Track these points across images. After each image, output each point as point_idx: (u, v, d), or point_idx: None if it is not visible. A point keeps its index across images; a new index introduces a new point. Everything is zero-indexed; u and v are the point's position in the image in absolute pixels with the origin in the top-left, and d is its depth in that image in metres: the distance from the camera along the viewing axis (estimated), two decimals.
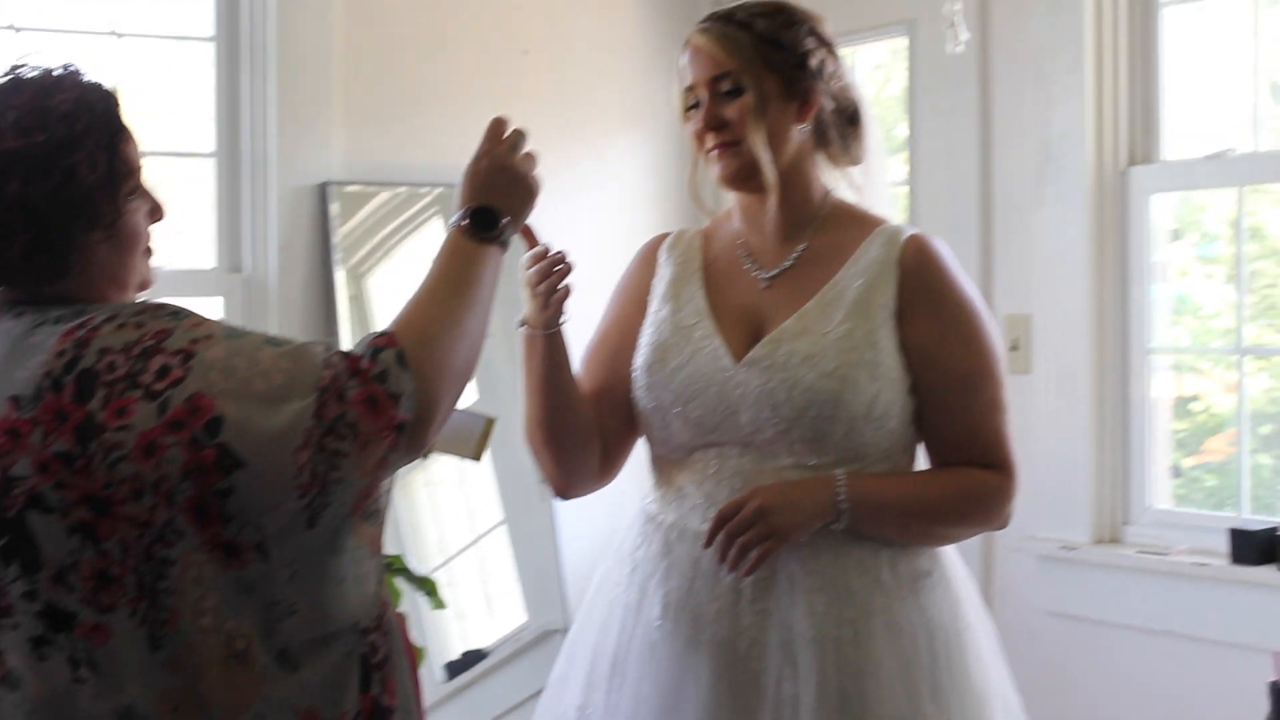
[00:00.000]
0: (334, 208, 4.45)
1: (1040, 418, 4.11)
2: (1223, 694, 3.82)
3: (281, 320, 4.36)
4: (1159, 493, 4.14)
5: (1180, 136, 4.15)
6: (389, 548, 2.11)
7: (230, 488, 1.80)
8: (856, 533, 2.40)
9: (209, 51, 4.48)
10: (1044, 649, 4.10)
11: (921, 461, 2.53)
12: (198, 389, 1.82)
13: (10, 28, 4.18)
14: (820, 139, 2.51)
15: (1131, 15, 4.15)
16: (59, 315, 1.91)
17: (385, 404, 1.86)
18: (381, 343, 1.91)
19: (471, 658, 4.63)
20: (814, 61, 2.47)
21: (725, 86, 2.45)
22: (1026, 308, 4.24)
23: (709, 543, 2.36)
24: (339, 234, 4.47)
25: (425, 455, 1.99)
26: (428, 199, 4.67)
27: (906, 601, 2.42)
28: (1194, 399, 4.24)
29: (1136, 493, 4.14)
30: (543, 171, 2.23)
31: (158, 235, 2.04)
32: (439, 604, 3.76)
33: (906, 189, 4.56)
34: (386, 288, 4.60)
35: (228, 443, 1.80)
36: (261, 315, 4.36)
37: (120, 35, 4.37)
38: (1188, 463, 4.25)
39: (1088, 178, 4.13)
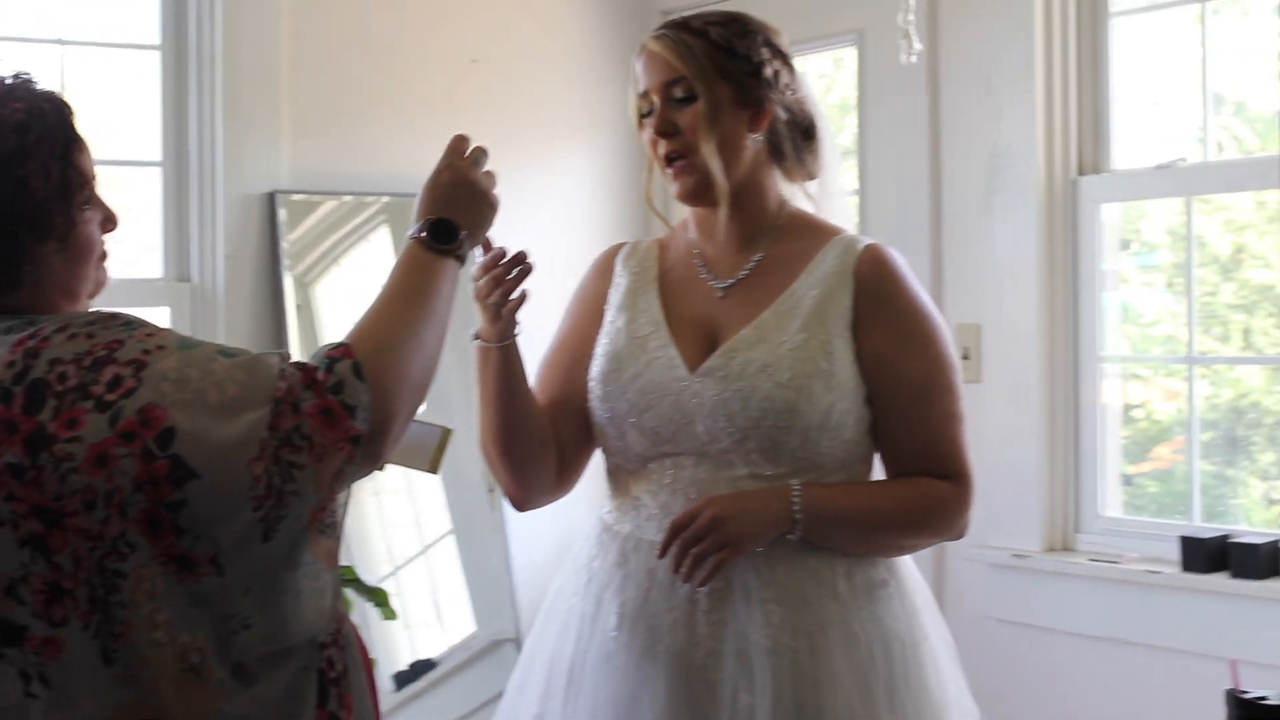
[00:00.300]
0: (282, 216, 4.42)
1: (991, 427, 4.12)
2: (1175, 701, 3.84)
3: (229, 330, 4.33)
4: (1110, 501, 4.16)
5: (1130, 146, 4.18)
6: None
7: (183, 500, 1.78)
8: (812, 543, 2.39)
9: (155, 60, 4.44)
10: (996, 657, 4.11)
11: (878, 471, 2.53)
12: (150, 400, 1.79)
13: None
14: (775, 152, 2.51)
15: (1081, 26, 4.18)
16: (9, 326, 1.88)
17: (341, 416, 1.85)
18: (338, 354, 1.89)
19: (420, 668, 4.61)
20: (768, 71, 2.47)
21: (678, 93, 2.44)
22: (976, 317, 4.26)
23: (663, 553, 2.35)
24: (286, 243, 4.44)
25: (381, 467, 1.97)
26: (374, 208, 4.65)
27: (863, 612, 2.41)
28: (1135, 407, 4.26)
29: (1088, 501, 4.16)
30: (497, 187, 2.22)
31: (117, 242, 2.02)
32: (390, 614, 3.74)
33: (856, 198, 4.57)
34: (333, 296, 4.57)
35: (180, 454, 1.78)
36: (209, 325, 4.33)
37: (65, 43, 4.33)
38: (1131, 470, 4.27)
39: (1037, 187, 4.14)
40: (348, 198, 4.61)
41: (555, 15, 5.08)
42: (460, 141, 2.21)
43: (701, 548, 2.32)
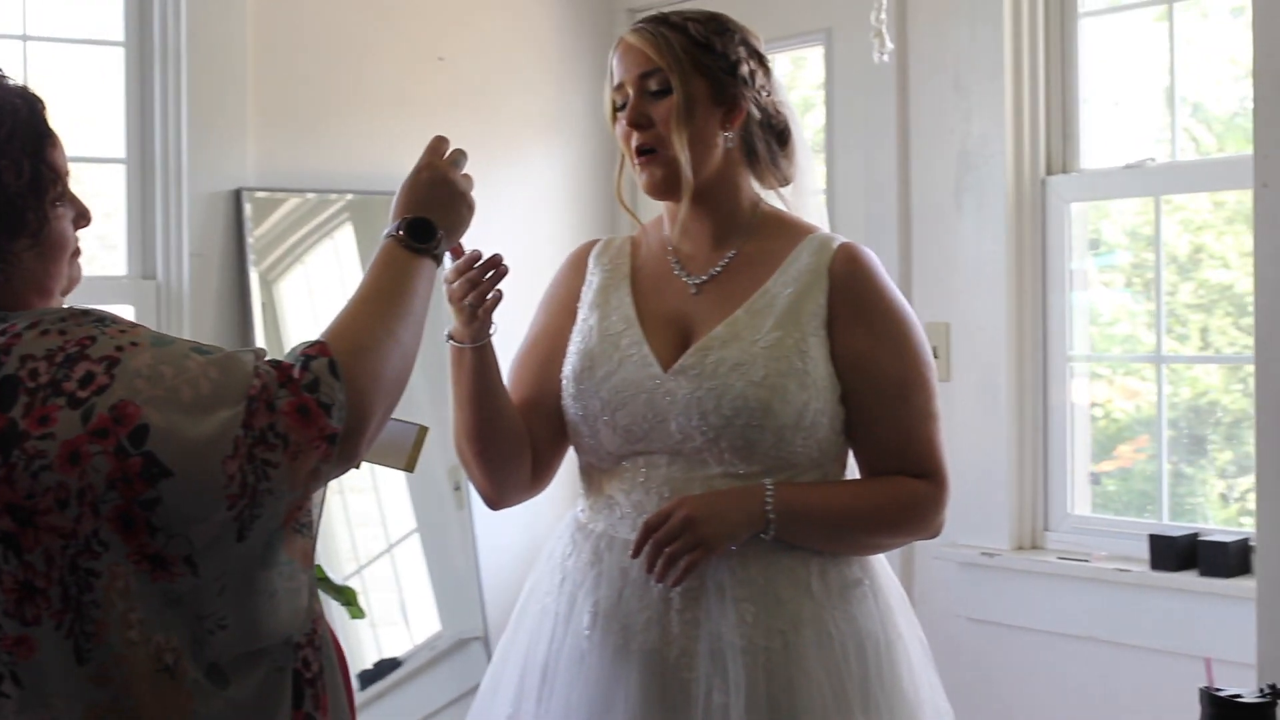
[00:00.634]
0: (248, 214, 4.40)
1: (959, 425, 4.12)
2: (1146, 699, 3.85)
3: (194, 328, 4.31)
4: (1079, 499, 4.17)
5: (1098, 146, 4.19)
6: None
7: (157, 498, 1.77)
8: (786, 542, 2.38)
9: (119, 56, 4.41)
10: (965, 655, 4.12)
11: (852, 470, 2.52)
12: (123, 396, 1.78)
13: None
14: (749, 153, 2.50)
15: (1049, 25, 4.19)
16: None
17: (316, 414, 1.83)
18: (313, 352, 1.88)
19: (385, 667, 4.60)
20: (744, 70, 2.48)
21: (653, 85, 2.44)
22: (945, 315, 4.26)
23: (636, 552, 2.34)
24: (252, 239, 4.42)
25: (357, 465, 1.96)
26: (338, 205, 4.63)
27: (837, 611, 2.41)
28: (1094, 406, 4.28)
29: (1056, 499, 4.17)
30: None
31: (83, 239, 2.00)
32: (358, 613, 3.72)
33: (823, 197, 4.56)
34: (296, 294, 4.55)
35: (154, 451, 1.77)
36: (174, 323, 4.31)
37: (29, 38, 4.29)
38: (1094, 470, 4.28)
39: (1006, 186, 4.15)
40: (310, 195, 4.59)
41: (522, 13, 5.07)
42: (440, 142, 2.20)
43: (675, 548, 2.31)
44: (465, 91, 4.89)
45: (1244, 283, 4.00)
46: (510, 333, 2.48)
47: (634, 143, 2.47)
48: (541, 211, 5.01)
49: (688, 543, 2.31)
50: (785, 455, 2.39)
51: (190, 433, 1.78)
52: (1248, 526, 3.93)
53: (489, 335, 2.42)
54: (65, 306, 1.93)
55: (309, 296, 4.61)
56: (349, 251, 4.69)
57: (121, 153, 4.41)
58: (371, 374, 1.90)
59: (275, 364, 1.87)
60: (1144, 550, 3.92)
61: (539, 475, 2.55)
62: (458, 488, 4.72)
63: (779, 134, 2.54)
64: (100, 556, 1.77)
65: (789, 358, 2.38)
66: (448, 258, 2.25)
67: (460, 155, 2.20)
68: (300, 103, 4.61)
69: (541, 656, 2.47)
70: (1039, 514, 4.19)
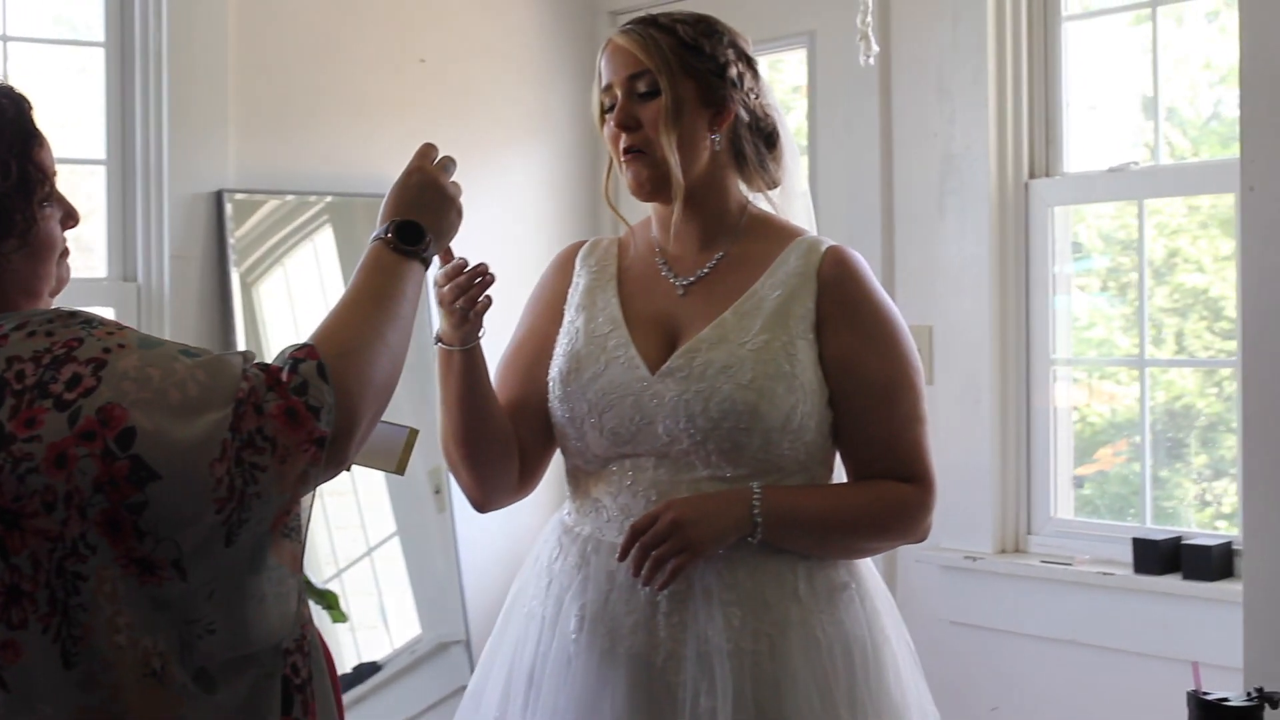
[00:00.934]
0: (229, 215, 4.39)
1: (942, 429, 4.12)
2: (1129, 703, 3.86)
3: (176, 330, 4.29)
4: (1062, 503, 4.18)
5: (1081, 150, 4.20)
6: None
7: (144, 501, 1.75)
8: (773, 546, 2.38)
9: (99, 57, 4.39)
10: (948, 659, 4.12)
11: (839, 474, 2.52)
12: (110, 399, 1.77)
13: None
14: (738, 156, 2.50)
15: (1032, 29, 4.19)
16: None
17: (305, 417, 1.82)
18: (302, 355, 1.87)
19: (365, 670, 4.58)
20: (733, 72, 2.47)
21: (641, 87, 2.44)
22: (928, 319, 4.26)
23: (623, 556, 2.34)
24: (234, 238, 4.40)
25: (347, 468, 1.95)
26: (318, 207, 4.62)
27: (823, 615, 2.40)
28: (1073, 409, 4.29)
29: (1040, 503, 4.17)
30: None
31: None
32: (340, 617, 3.72)
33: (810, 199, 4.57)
34: (275, 296, 4.54)
35: (141, 454, 1.76)
36: (156, 325, 4.30)
37: (8, 39, 4.27)
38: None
39: (989, 190, 4.16)
40: (290, 197, 4.58)
41: (503, 15, 5.07)
42: (429, 149, 2.20)
43: (661, 551, 2.30)
44: (446, 94, 4.89)
45: (1218, 287, 4.02)
46: (495, 335, 2.47)
47: (622, 144, 2.46)
48: (522, 213, 5.01)
49: (675, 546, 2.30)
50: (772, 458, 2.38)
51: (178, 436, 1.77)
52: (1223, 530, 3.96)
53: (478, 338, 2.41)
54: (53, 308, 1.92)
55: (288, 299, 4.59)
56: (328, 254, 4.67)
57: (102, 154, 4.39)
58: (360, 377, 1.89)
59: (263, 367, 1.86)
60: (1127, 554, 3.93)
61: (526, 478, 2.54)
62: (438, 491, 4.71)
63: (767, 136, 2.54)
64: (87, 560, 1.76)
65: (777, 360, 2.38)
66: (435, 261, 2.24)
67: (449, 162, 2.20)
68: (282, 104, 4.60)
69: (528, 660, 2.46)
70: (1022, 517, 4.20)
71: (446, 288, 2.36)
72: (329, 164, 4.64)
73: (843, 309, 2.43)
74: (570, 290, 2.57)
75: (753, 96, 2.51)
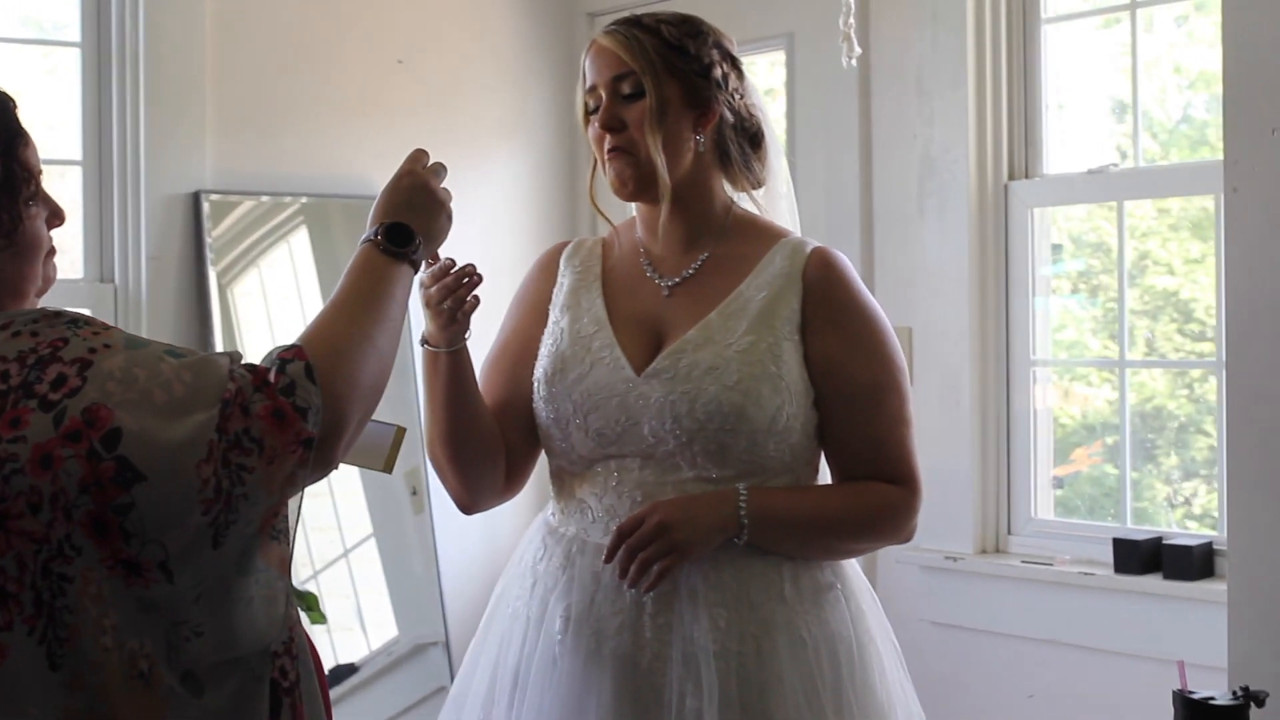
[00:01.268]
0: (207, 217, 4.37)
1: (922, 430, 4.06)
2: (1109, 702, 3.87)
3: (153, 331, 4.27)
4: (1042, 503, 4.18)
5: (1061, 152, 4.21)
6: None
7: (130, 503, 1.74)
8: (759, 547, 2.37)
9: (75, 57, 4.37)
10: (928, 659, 4.12)
11: (824, 475, 2.52)
12: (95, 399, 1.76)
13: None
14: (722, 156, 2.49)
15: (1012, 31, 4.20)
16: None
17: (292, 418, 1.81)
18: (289, 355, 1.86)
19: (342, 672, 4.57)
20: (717, 73, 2.47)
21: (626, 88, 2.43)
22: (908, 320, 4.26)
23: (609, 558, 2.33)
24: (211, 238, 4.39)
25: (335, 467, 1.94)
26: (293, 208, 4.61)
27: (809, 615, 2.40)
28: (1049, 411, 4.30)
29: (1020, 503, 4.18)
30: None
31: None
32: (319, 618, 3.71)
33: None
34: (250, 298, 4.53)
35: (127, 456, 1.75)
36: (133, 326, 4.28)
37: None
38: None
39: (969, 191, 4.16)
40: (265, 198, 4.56)
41: (481, 16, 5.06)
42: (421, 154, 2.20)
43: (648, 553, 2.30)
44: (424, 95, 4.88)
45: (1189, 289, 4.04)
46: (476, 336, 2.46)
47: (606, 145, 2.46)
48: (502, 215, 5.00)
49: (661, 548, 2.30)
50: (758, 459, 2.38)
51: (163, 436, 1.76)
52: (1193, 529, 3.98)
53: (464, 340, 2.40)
54: (39, 308, 1.91)
55: (263, 300, 4.58)
56: (304, 255, 4.66)
57: (78, 155, 4.36)
58: (348, 378, 1.88)
59: (250, 368, 1.85)
60: (1106, 554, 3.94)
61: (513, 479, 2.54)
62: (415, 492, 4.70)
63: (751, 136, 2.53)
64: (73, 561, 1.75)
65: (762, 362, 2.37)
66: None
67: (440, 168, 2.20)
68: (259, 105, 4.58)
69: (513, 661, 2.45)
70: (1002, 518, 4.21)
71: (434, 288, 2.36)
72: (306, 165, 4.63)
73: (828, 311, 2.42)
74: (555, 290, 2.57)
75: (737, 97, 2.50)
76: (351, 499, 4.66)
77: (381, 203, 2.13)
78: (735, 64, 2.52)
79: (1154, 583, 3.80)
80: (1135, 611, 3.83)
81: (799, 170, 4.54)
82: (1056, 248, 4.29)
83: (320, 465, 1.87)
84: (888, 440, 2.45)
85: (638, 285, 2.51)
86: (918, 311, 4.26)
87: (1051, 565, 4.03)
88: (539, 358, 2.50)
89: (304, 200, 4.62)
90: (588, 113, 2.49)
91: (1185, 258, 4.07)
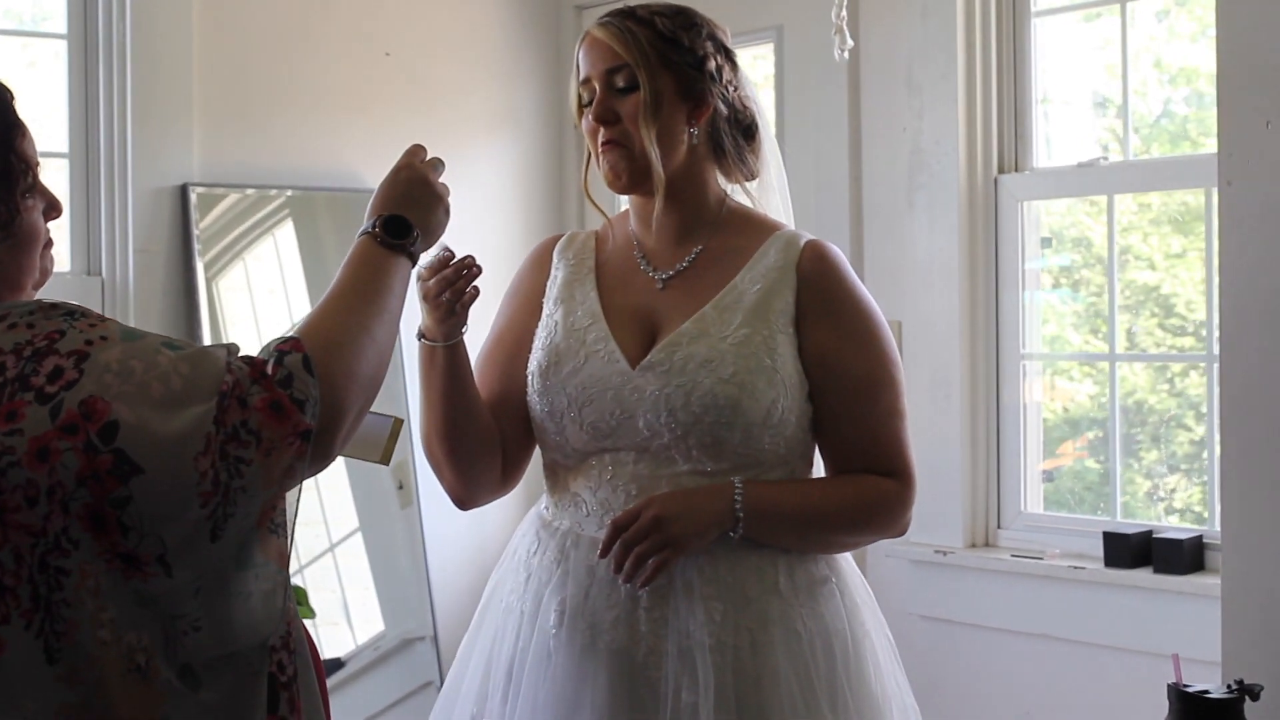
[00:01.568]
0: (194, 210, 4.36)
1: (912, 424, 4.10)
2: (1100, 696, 3.87)
3: (140, 324, 4.22)
4: (1032, 497, 4.19)
5: (1051, 145, 4.22)
6: None
7: (128, 496, 1.74)
8: (754, 540, 2.37)
9: (62, 49, 4.35)
10: (919, 653, 4.12)
11: (819, 468, 2.51)
12: (92, 392, 1.75)
13: None
14: (716, 149, 2.49)
15: (1001, 24, 4.20)
16: None
17: (290, 410, 1.80)
18: (287, 347, 1.85)
19: (328, 667, 4.56)
20: (711, 65, 2.46)
21: (620, 81, 2.42)
22: (897, 314, 4.27)
23: (605, 552, 2.33)
24: (199, 229, 4.37)
25: (333, 459, 1.93)
26: (278, 201, 4.60)
27: (804, 609, 2.40)
28: (1039, 405, 4.31)
29: (1009, 497, 4.18)
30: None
31: (64, 232, 1.97)
32: (309, 613, 3.70)
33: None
34: (236, 290, 4.52)
35: (124, 448, 1.74)
36: (120, 319, 4.23)
37: None
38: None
39: (959, 185, 4.16)
40: (250, 191, 4.55)
41: (469, 9, 5.05)
42: (419, 149, 2.20)
43: (643, 548, 2.30)
44: (412, 88, 4.87)
45: (1169, 284, 4.05)
46: (470, 331, 2.46)
47: (600, 138, 2.45)
48: (489, 207, 4.99)
49: (656, 542, 2.30)
50: (753, 453, 2.38)
51: (161, 429, 1.75)
52: (1173, 524, 3.98)
53: (461, 334, 2.39)
54: (35, 300, 1.90)
55: (248, 293, 4.56)
56: (289, 248, 4.65)
57: (64, 147, 4.34)
58: (346, 370, 1.88)
59: (248, 360, 1.84)
60: (1096, 547, 3.95)
61: (509, 473, 2.53)
62: (401, 486, 4.69)
63: (745, 129, 2.53)
64: (70, 555, 1.74)
65: (758, 355, 2.37)
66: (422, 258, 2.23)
67: (438, 163, 2.20)
68: (247, 97, 4.57)
69: (507, 655, 2.45)
70: (991, 512, 4.21)
71: (432, 281, 2.35)
72: (294, 158, 4.61)
73: (823, 304, 2.42)
74: (548, 284, 2.56)
75: (731, 89, 2.50)
76: (338, 494, 4.65)
77: (379, 195, 2.12)
78: (729, 56, 2.51)
79: (1144, 576, 3.81)
80: (1126, 605, 3.84)
81: (788, 163, 4.51)
82: (1046, 241, 4.29)
83: (318, 457, 1.86)
84: (882, 433, 2.45)
85: (632, 278, 2.51)
86: (907, 305, 4.26)
87: (1041, 559, 4.03)
88: (533, 351, 2.50)
89: (289, 193, 4.60)
90: (581, 105, 2.48)
91: (1166, 252, 4.08)
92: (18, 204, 1.88)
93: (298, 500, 1.92)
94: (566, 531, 2.45)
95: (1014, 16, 4.21)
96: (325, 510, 4.68)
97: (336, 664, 4.58)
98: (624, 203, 2.58)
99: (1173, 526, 3.96)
